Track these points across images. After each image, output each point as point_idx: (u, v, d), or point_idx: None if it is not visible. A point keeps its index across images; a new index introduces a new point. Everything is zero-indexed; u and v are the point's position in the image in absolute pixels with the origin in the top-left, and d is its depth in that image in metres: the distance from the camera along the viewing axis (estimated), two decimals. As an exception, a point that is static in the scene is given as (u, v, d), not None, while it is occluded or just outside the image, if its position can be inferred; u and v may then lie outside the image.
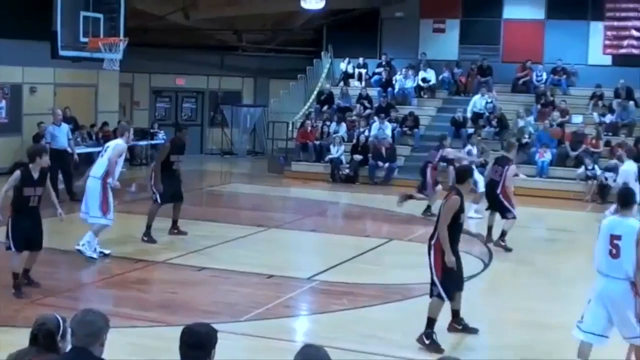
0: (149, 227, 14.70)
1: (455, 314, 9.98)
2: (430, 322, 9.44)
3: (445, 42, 29.86)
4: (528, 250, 15.35)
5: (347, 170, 24.88)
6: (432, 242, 9.61)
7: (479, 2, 29.26)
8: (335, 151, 25.29)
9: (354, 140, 25.70)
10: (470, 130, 25.27)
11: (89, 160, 23.99)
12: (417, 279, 11.61)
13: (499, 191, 15.23)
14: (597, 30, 28.12)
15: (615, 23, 27.90)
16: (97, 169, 13.33)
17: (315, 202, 20.90)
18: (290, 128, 27.74)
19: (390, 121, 26.27)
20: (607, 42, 28.02)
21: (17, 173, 11.01)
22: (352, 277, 12.56)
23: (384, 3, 30.39)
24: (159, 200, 14.76)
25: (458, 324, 9.98)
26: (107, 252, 13.41)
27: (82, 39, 18.39)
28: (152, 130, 28.50)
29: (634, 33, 27.68)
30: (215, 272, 12.73)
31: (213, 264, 13.21)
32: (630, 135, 24.45)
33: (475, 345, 9.80)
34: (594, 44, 28.19)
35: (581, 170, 22.94)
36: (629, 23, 27.75)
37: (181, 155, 15.15)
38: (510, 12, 29.29)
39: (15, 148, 23.87)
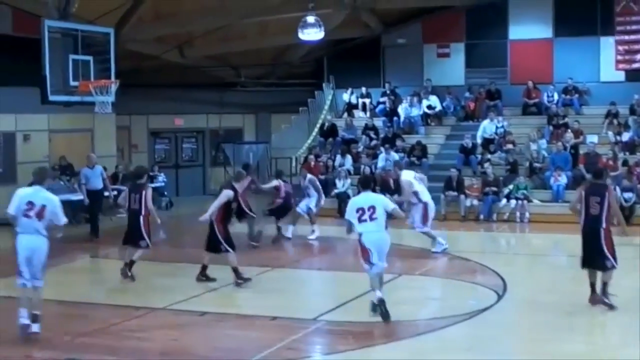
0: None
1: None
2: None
3: (451, 67, 30.05)
4: (549, 278, 15.28)
5: (355, 205, 24.80)
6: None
7: (483, 24, 29.44)
8: (342, 185, 25.30)
9: (361, 173, 25.72)
10: (479, 157, 25.37)
11: (85, 207, 24.23)
12: (426, 315, 11.59)
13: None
14: (608, 46, 28.22)
15: (627, 37, 28.01)
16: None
17: (322, 239, 20.85)
18: (294, 163, 27.81)
19: (397, 151, 26.31)
20: (619, 58, 28.11)
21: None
22: (360, 316, 12.47)
23: (385, 30, 30.54)
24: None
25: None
26: None
27: (72, 83, 18.51)
28: (152, 173, 28.55)
29: (646, 46, 27.76)
30: (217, 317, 12.71)
31: (216, 308, 13.20)
32: (648, 153, 24.40)
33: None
34: (606, 60, 28.29)
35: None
36: (641, 36, 27.84)
37: None
38: (516, 33, 29.41)
39: (10, 198, 23.88)
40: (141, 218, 15.36)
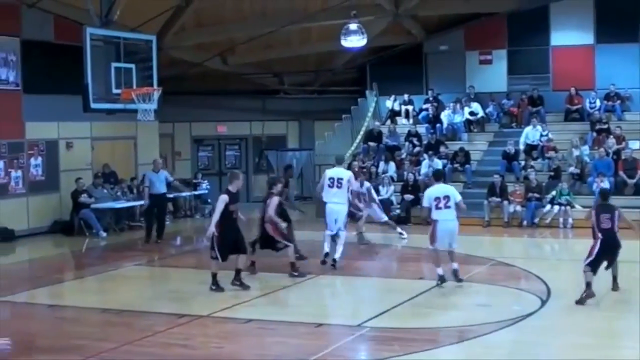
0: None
1: None
2: None
3: (493, 74, 29.85)
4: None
5: (398, 211, 24.72)
6: None
7: (525, 31, 29.27)
8: (385, 192, 25.16)
9: (404, 180, 25.58)
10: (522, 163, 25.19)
11: (129, 215, 24.38)
12: (471, 321, 11.43)
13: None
14: (648, 52, 27.90)
15: (668, 43, 27.67)
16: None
17: (365, 246, 20.75)
18: (337, 170, 27.65)
19: (440, 158, 26.15)
20: (661, 64, 27.76)
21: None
22: (404, 322, 12.39)
23: (427, 37, 30.41)
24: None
25: None
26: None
27: (115, 91, 18.52)
28: (195, 181, 28.66)
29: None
30: (262, 324, 12.60)
31: (260, 315, 13.11)
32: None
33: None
34: (647, 66, 27.94)
35: (642, 197, 22.66)
36: (682, 41, 27.48)
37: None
38: (558, 39, 29.18)
39: (53, 206, 24.14)
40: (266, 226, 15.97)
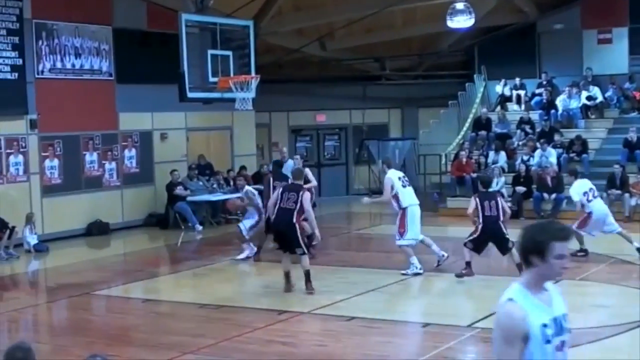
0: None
1: None
2: None
3: (613, 54, 29.29)
4: None
5: (509, 204, 24.57)
6: None
7: (648, 6, 28.59)
8: (495, 183, 25.02)
9: (516, 171, 25.44)
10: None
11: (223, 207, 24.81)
12: (589, 323, 11.40)
13: None
14: None
15: None
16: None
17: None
18: (443, 161, 27.69)
19: (554, 147, 25.88)
20: None
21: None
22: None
23: (540, 16, 30.08)
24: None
25: None
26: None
27: (212, 79, 18.83)
28: (293, 172, 28.93)
29: None
30: (365, 322, 12.77)
31: (363, 313, 13.28)
32: None
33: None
34: None
35: None
36: None
37: None
38: (686, 14, 28.48)
39: (147, 198, 24.77)
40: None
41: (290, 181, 15.96)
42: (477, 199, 15.72)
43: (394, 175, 16.39)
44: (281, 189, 15.01)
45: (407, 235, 16.13)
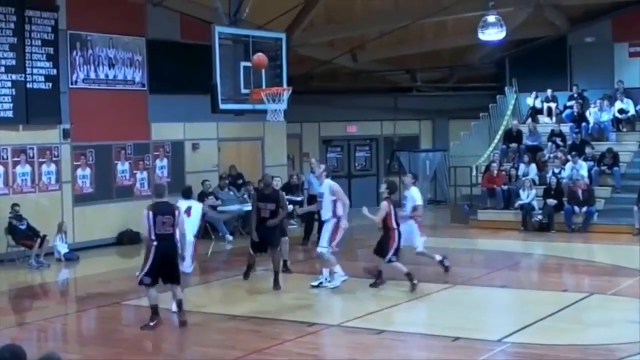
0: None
1: None
2: None
3: (645, 67, 29.01)
4: None
5: (539, 217, 24.42)
6: None
7: (681, 18, 28.28)
8: (526, 196, 24.88)
9: (547, 183, 25.23)
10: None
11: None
12: (620, 339, 11.23)
13: None
14: None
15: None
16: None
17: (505, 254, 20.61)
18: (474, 173, 27.55)
19: (585, 159, 25.67)
20: None
21: None
22: (548, 338, 12.21)
23: (571, 29, 29.87)
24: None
25: None
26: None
27: (244, 91, 18.82)
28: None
29: None
30: (395, 335, 12.71)
31: (393, 327, 13.23)
32: None
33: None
34: None
35: None
36: None
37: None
38: None
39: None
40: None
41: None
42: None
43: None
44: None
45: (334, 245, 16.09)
